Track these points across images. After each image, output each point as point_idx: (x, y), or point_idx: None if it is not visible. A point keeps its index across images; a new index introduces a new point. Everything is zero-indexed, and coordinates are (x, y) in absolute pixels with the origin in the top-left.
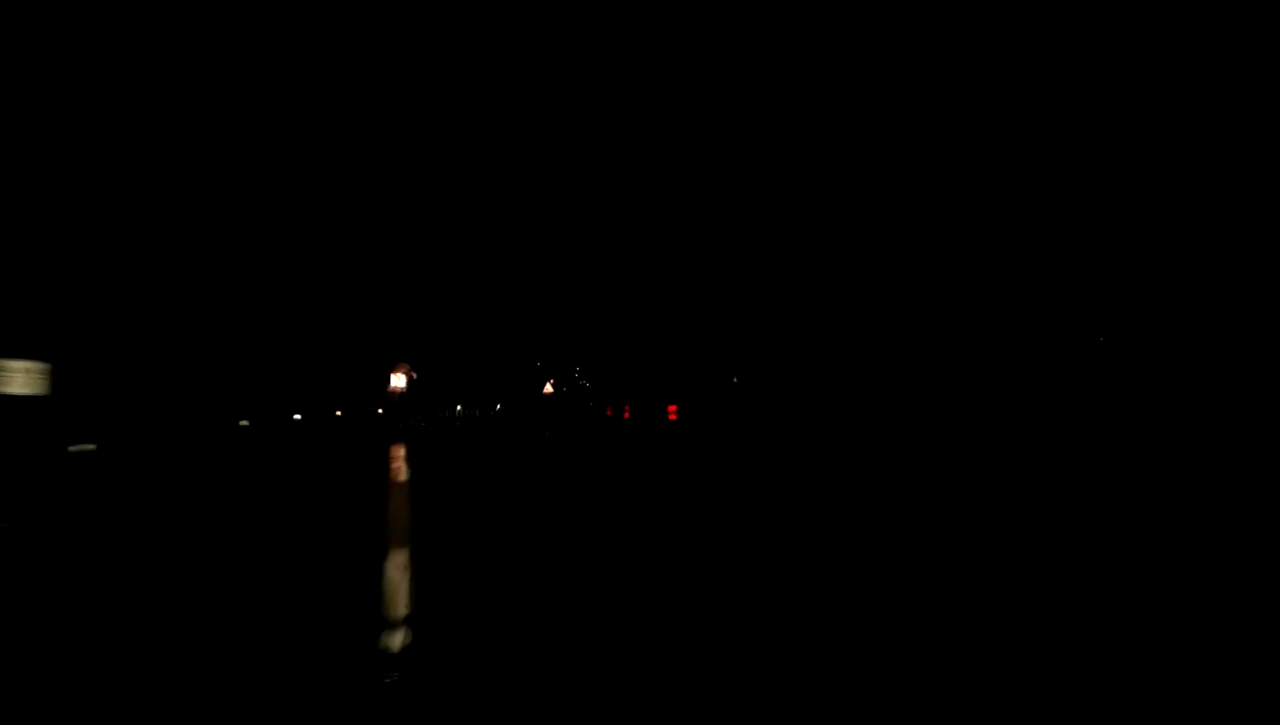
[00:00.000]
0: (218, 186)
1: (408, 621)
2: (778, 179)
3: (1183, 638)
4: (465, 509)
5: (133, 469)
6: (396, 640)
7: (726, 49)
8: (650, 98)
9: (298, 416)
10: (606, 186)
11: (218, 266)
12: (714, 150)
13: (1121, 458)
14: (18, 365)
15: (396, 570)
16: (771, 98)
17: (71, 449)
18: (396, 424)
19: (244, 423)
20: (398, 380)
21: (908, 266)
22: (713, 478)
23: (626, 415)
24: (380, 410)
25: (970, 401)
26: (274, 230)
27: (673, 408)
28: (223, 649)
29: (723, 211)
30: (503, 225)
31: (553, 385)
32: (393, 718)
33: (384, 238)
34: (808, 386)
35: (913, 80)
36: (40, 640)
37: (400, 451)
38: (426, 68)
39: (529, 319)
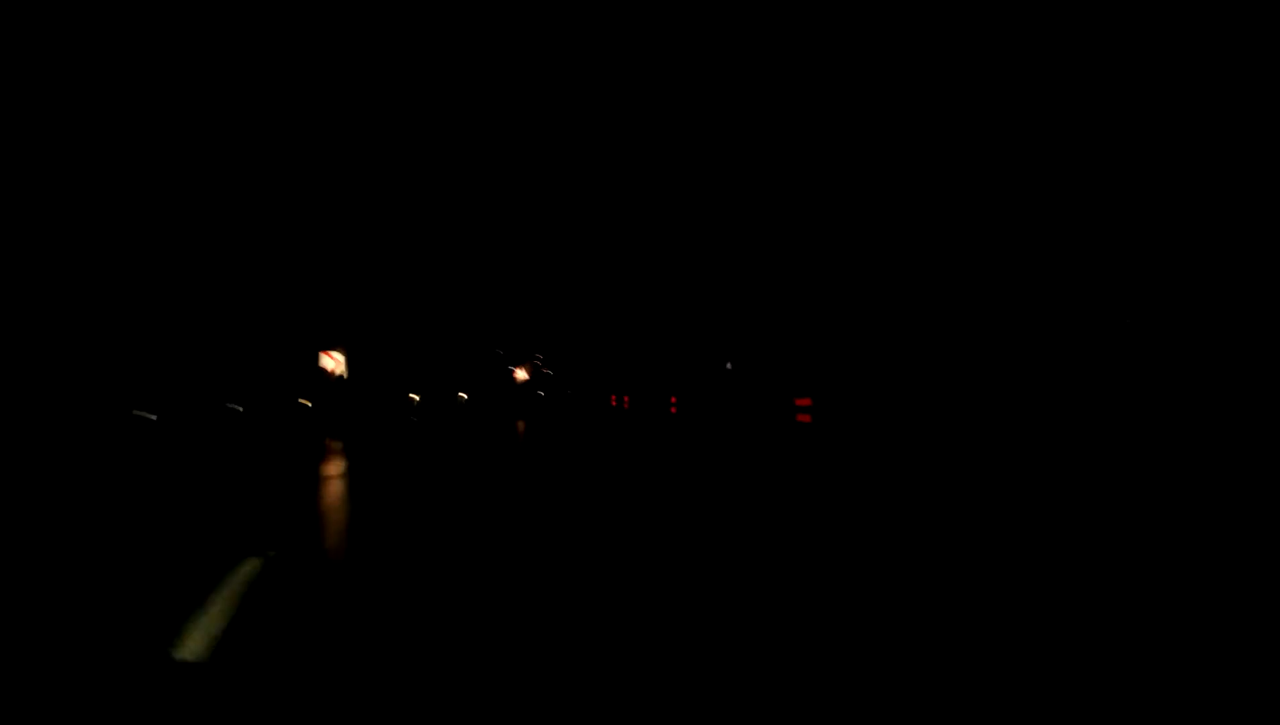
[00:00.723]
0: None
1: None
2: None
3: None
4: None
5: None
6: None
7: (690, 31)
8: (622, 71)
9: (152, 416)
10: (572, 161)
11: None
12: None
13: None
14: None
15: None
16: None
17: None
18: (331, 419)
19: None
20: (329, 362)
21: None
22: None
23: (674, 409)
24: (308, 402)
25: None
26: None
27: (804, 402)
28: None
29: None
30: (465, 203)
31: (527, 371)
32: None
33: (321, 205)
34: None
35: (897, 66)
36: None
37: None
38: (378, 44)
39: (489, 302)
